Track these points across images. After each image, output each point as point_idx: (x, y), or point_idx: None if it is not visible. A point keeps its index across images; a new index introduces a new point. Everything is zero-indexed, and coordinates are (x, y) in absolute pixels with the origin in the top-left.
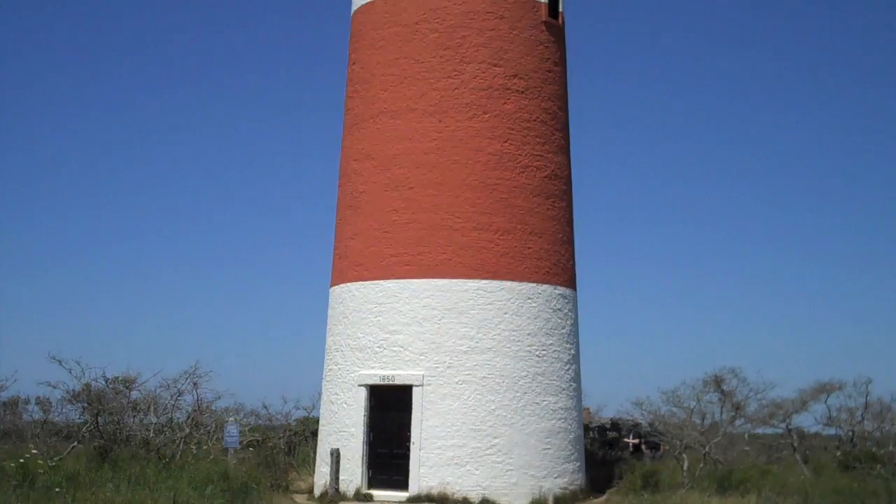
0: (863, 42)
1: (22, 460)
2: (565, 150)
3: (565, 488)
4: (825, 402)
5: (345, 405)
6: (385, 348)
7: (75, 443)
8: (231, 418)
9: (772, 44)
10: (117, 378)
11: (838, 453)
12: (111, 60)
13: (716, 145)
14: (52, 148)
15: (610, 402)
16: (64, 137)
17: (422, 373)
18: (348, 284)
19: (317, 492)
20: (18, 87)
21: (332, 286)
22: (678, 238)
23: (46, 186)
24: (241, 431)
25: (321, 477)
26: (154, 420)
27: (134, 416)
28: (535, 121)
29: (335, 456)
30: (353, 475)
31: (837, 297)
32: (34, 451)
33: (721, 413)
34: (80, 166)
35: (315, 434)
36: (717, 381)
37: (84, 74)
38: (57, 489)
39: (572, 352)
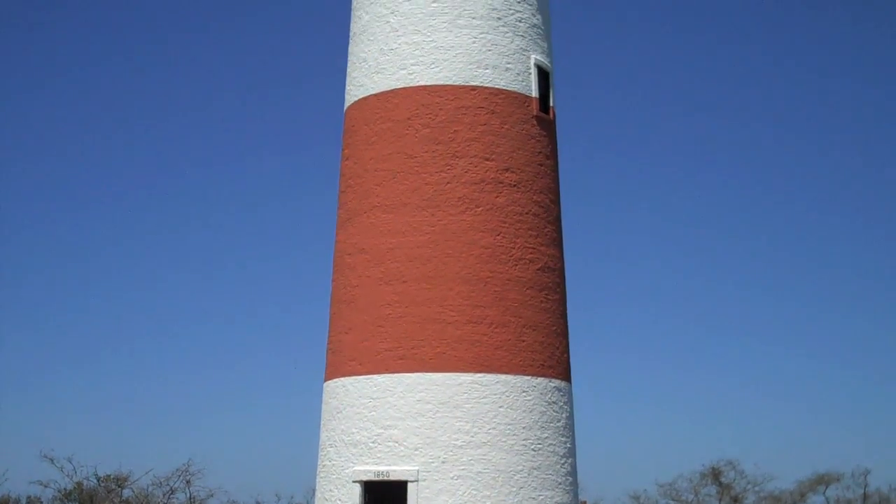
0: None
1: None
2: (558, 242)
3: None
4: (824, 493)
5: (339, 502)
6: (379, 444)
7: None
8: None
9: (769, 127)
10: (109, 476)
11: None
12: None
13: (710, 240)
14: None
15: (607, 496)
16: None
17: (416, 468)
18: (342, 379)
19: None
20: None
21: (325, 381)
22: (673, 330)
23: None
24: None
25: None
26: None
27: None
28: (527, 214)
29: None
30: None
31: (834, 387)
32: None
33: None
34: (66, 278)
35: None
36: (715, 474)
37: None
38: None
39: (568, 445)
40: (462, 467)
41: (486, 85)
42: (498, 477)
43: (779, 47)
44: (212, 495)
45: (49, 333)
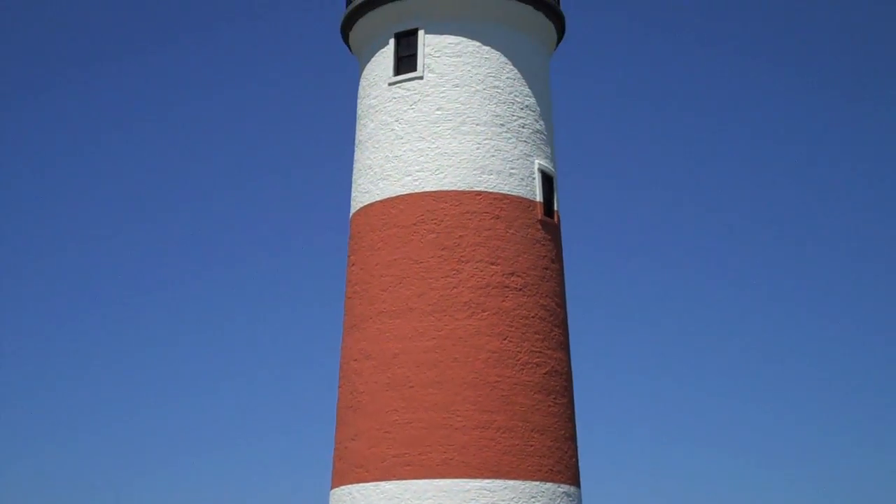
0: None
1: None
2: (565, 346)
3: None
4: None
5: None
6: None
7: None
8: None
9: (774, 228)
10: None
11: None
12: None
13: (721, 341)
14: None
15: None
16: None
17: None
18: (349, 486)
19: None
20: None
21: (332, 489)
22: (685, 434)
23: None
24: None
25: None
26: None
27: None
28: (533, 318)
29: None
30: None
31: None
32: None
33: None
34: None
35: None
36: None
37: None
38: None
39: None
40: None
41: (491, 190)
42: None
43: (782, 156)
44: None
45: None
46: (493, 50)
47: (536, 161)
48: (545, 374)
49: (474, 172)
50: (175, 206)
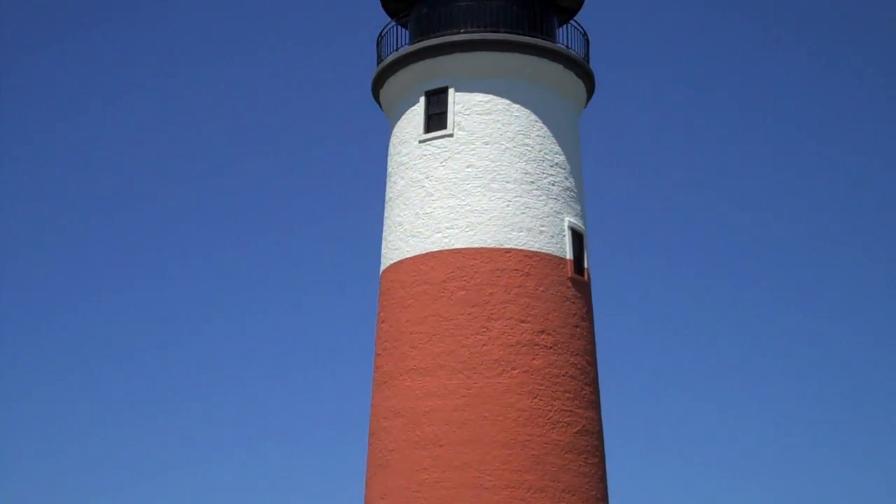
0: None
1: None
2: (596, 405)
3: None
4: None
5: None
6: None
7: None
8: None
9: (795, 299)
10: None
11: None
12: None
13: (755, 403)
14: None
15: None
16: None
17: None
18: None
19: None
20: None
21: None
22: (717, 495)
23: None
24: None
25: None
26: None
27: None
28: (564, 376)
29: None
30: None
31: None
32: None
33: None
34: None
35: None
36: None
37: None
38: None
39: None
40: None
41: (521, 247)
42: None
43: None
44: None
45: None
46: (522, 108)
47: (566, 218)
48: (576, 433)
49: (504, 229)
50: (209, 264)
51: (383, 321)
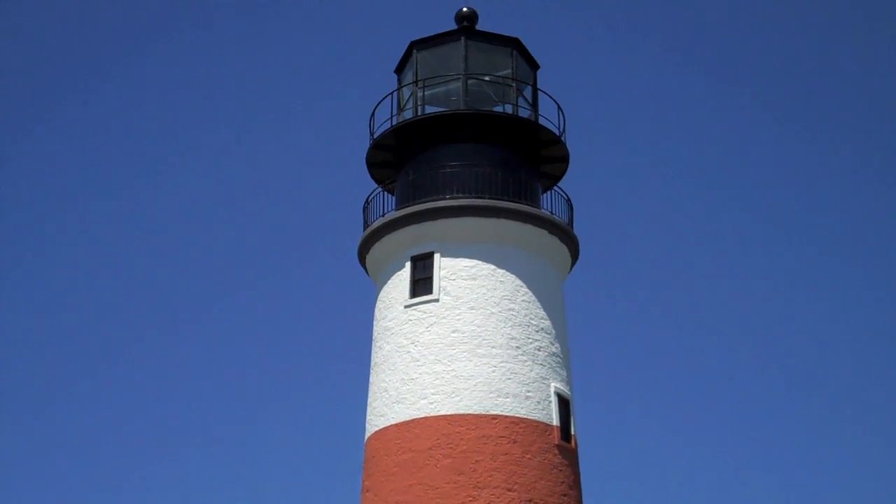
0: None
1: None
2: None
3: None
4: None
5: None
6: None
7: None
8: None
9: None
10: None
11: None
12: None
13: None
14: None
15: None
16: None
17: None
18: None
19: None
20: None
21: None
22: None
23: None
24: None
25: None
26: None
27: None
28: None
29: None
30: None
31: None
32: None
33: None
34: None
35: None
36: None
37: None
38: None
39: None
40: None
41: (507, 414)
42: None
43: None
44: None
45: None
46: (508, 273)
47: (553, 384)
48: None
49: (490, 395)
50: (200, 448)
51: (367, 490)
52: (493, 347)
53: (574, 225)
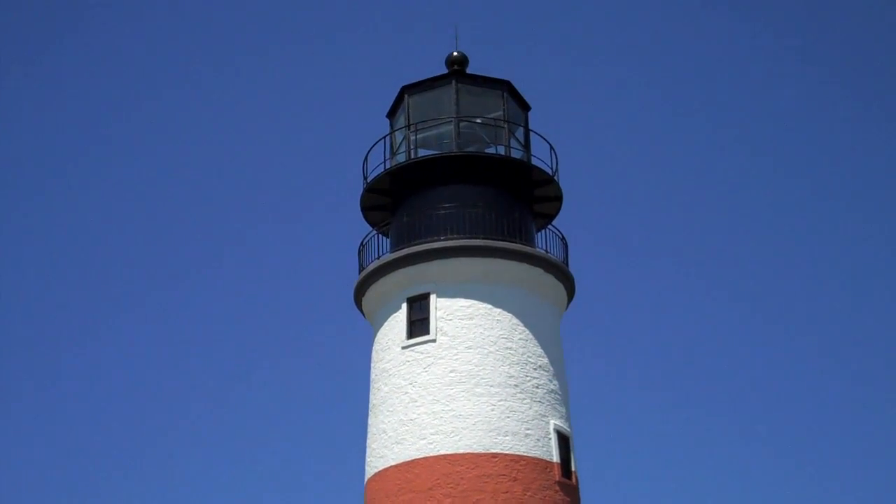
0: None
1: None
2: None
3: None
4: None
5: None
6: None
7: None
8: None
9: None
10: None
11: None
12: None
13: None
14: None
15: None
16: None
17: None
18: None
19: None
20: None
21: None
22: None
23: None
24: None
25: None
26: None
27: None
28: None
29: None
30: None
31: None
32: None
33: None
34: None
35: None
36: None
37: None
38: None
39: None
40: None
41: (507, 452)
42: None
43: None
44: None
45: None
46: (504, 312)
47: (552, 421)
48: None
49: (490, 434)
50: (186, 481)
51: None
52: (491, 386)
53: (569, 262)
